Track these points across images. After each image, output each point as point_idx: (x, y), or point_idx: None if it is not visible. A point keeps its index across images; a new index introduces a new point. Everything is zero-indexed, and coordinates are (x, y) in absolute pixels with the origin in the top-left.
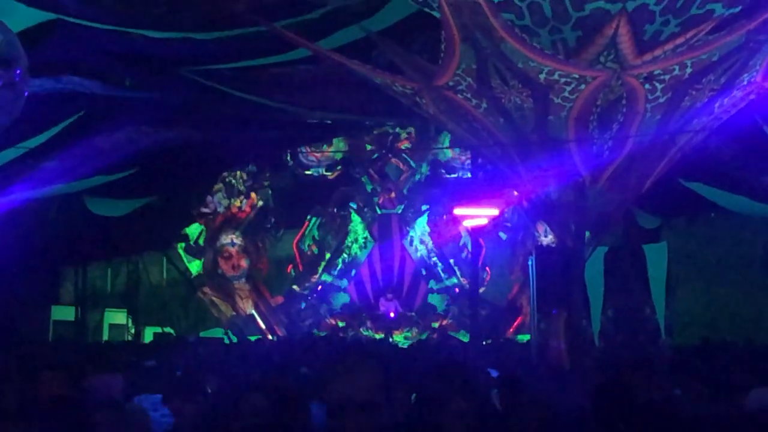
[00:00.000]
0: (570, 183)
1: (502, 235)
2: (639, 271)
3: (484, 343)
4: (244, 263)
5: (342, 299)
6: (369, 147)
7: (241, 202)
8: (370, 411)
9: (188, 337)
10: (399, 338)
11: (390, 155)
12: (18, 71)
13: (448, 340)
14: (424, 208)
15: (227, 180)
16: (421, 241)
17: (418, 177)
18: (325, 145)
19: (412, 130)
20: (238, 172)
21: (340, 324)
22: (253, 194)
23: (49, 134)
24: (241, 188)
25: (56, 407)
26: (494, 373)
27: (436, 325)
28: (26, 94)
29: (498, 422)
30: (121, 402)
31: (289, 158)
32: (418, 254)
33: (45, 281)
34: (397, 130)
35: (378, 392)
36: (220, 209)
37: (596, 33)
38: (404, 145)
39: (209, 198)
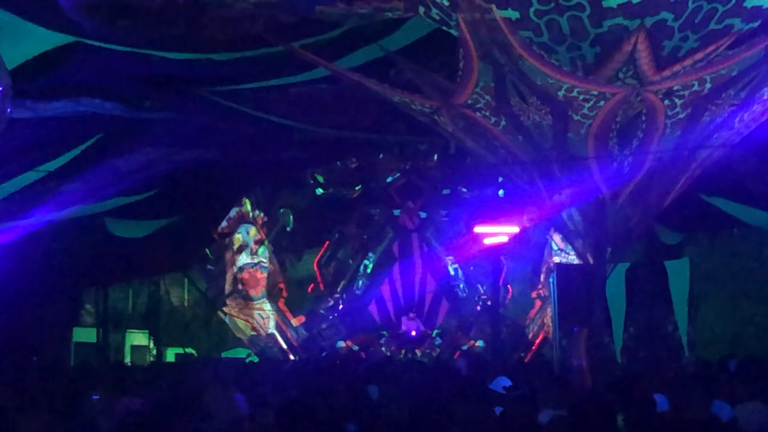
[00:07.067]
0: (590, 200)
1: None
2: (661, 287)
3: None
4: (264, 283)
5: (363, 318)
6: (389, 166)
7: (262, 222)
8: None
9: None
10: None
11: (411, 174)
12: (0, 89)
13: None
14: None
15: (248, 200)
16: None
17: (438, 195)
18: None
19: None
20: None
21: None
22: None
23: (70, 156)
24: (261, 209)
25: None
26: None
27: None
28: (9, 111)
29: None
30: None
31: (309, 178)
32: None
33: (66, 303)
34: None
35: None
36: (242, 230)
37: (615, 49)
38: (425, 163)
39: (230, 218)
